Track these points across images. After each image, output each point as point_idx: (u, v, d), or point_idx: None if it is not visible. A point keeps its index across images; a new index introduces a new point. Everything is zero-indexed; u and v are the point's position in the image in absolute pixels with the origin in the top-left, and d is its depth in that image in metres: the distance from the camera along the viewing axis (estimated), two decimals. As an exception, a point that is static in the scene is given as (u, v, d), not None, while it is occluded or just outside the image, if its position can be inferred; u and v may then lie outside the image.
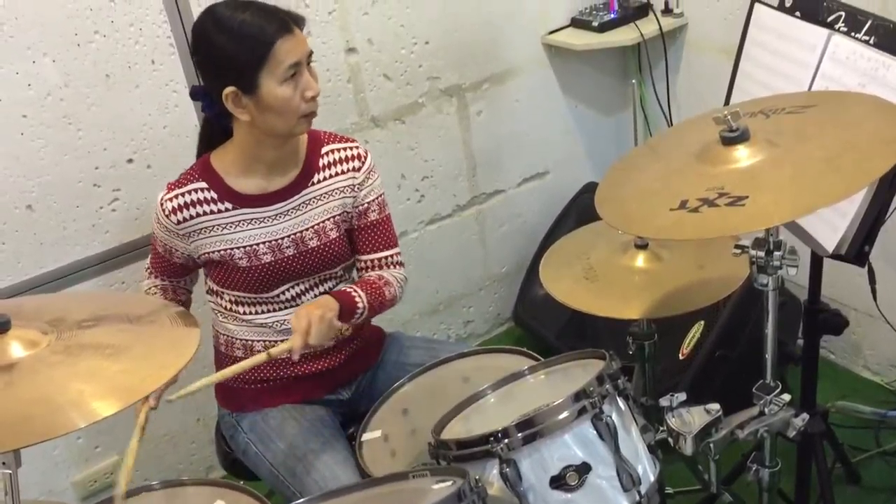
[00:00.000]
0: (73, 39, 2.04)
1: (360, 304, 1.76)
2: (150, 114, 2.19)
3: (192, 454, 2.55)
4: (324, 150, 1.81)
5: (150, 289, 1.90)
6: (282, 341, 1.80)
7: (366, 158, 1.83)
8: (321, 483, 1.68)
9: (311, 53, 1.67)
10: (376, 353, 1.99)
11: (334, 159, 1.81)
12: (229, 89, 1.62)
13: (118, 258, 2.25)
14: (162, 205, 1.74)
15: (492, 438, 1.36)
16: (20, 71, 2.00)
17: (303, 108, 1.65)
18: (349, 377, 1.93)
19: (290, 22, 1.62)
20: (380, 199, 1.86)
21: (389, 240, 1.89)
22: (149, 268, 1.90)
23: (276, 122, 1.66)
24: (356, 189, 1.82)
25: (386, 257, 1.89)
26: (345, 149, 1.82)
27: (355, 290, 1.78)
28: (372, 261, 1.88)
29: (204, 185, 1.74)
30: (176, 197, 1.73)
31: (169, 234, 1.77)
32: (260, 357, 1.63)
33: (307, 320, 1.62)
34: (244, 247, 1.75)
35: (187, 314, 1.29)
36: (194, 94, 1.76)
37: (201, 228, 1.75)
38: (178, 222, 1.74)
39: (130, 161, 2.21)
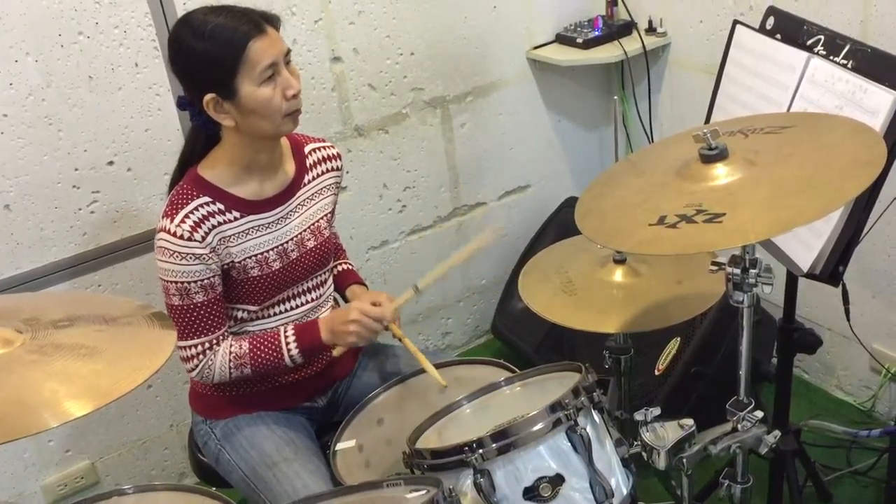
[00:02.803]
0: (56, 40, 2.04)
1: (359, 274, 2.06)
2: (132, 116, 2.18)
3: (164, 460, 2.53)
4: (307, 149, 1.84)
5: (230, 361, 1.73)
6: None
7: (341, 157, 1.91)
8: (290, 491, 1.67)
9: (288, 51, 1.64)
10: (353, 361, 1.99)
11: (319, 158, 1.85)
12: (209, 96, 1.60)
13: (95, 260, 2.24)
14: (175, 233, 1.62)
15: (466, 448, 1.36)
16: (2, 70, 1.99)
17: (285, 106, 1.63)
18: (326, 385, 1.93)
19: (262, 22, 1.59)
20: None
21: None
22: (199, 347, 1.71)
23: (260, 125, 1.64)
24: (339, 187, 1.90)
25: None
26: (324, 147, 1.87)
27: (351, 265, 2.05)
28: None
29: (207, 198, 1.67)
30: (186, 218, 1.64)
31: (199, 259, 1.64)
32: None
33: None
34: (255, 255, 1.73)
35: (164, 316, 1.28)
36: (181, 104, 1.71)
37: (221, 238, 1.68)
38: (203, 238, 1.64)
39: (111, 163, 2.19)
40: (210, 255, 1.66)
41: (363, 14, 2.46)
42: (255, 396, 1.84)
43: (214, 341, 1.72)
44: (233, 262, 1.71)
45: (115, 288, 2.28)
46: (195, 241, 1.64)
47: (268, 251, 1.74)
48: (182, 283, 1.65)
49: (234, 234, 1.70)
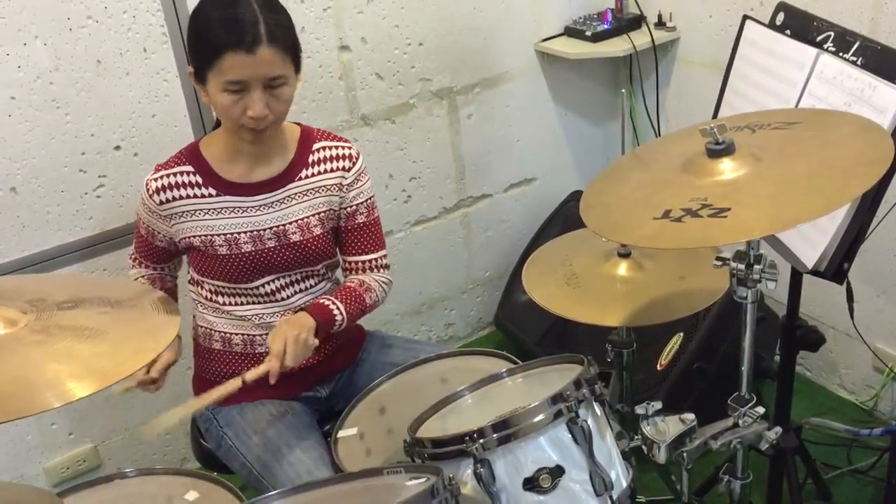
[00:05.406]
0: (65, 23, 2.04)
1: (338, 318, 1.77)
2: (140, 102, 2.19)
3: (166, 445, 2.54)
4: (315, 146, 1.81)
5: (137, 279, 1.90)
6: (260, 336, 1.82)
7: (357, 160, 1.83)
8: (294, 478, 1.67)
9: (277, 77, 1.59)
10: (356, 351, 1.99)
11: (324, 156, 1.81)
12: (189, 67, 1.67)
13: (101, 245, 2.24)
14: (147, 185, 1.74)
15: (467, 438, 1.36)
16: (10, 53, 1.99)
17: (243, 121, 1.62)
18: (328, 375, 1.93)
19: (260, 40, 1.55)
20: (369, 201, 1.87)
21: (376, 243, 1.90)
22: (133, 254, 1.90)
23: (223, 118, 1.69)
24: (344, 189, 1.82)
25: (371, 260, 1.89)
26: (336, 147, 1.82)
27: (334, 303, 1.78)
28: (357, 262, 1.89)
29: (190, 168, 1.74)
30: (161, 178, 1.73)
31: (151, 214, 1.76)
32: (234, 383, 1.62)
33: (283, 343, 1.63)
34: (224, 234, 1.74)
35: (169, 301, 1.28)
36: None
37: (183, 212, 1.74)
38: (161, 203, 1.73)
39: (118, 148, 2.20)
40: (163, 219, 1.76)
41: (372, 3, 2.46)
42: (258, 385, 1.85)
43: (139, 261, 1.89)
44: (194, 235, 1.75)
45: (121, 273, 2.29)
46: (154, 201, 1.74)
47: (239, 233, 1.75)
48: (137, 214, 1.82)
49: (201, 210, 1.74)
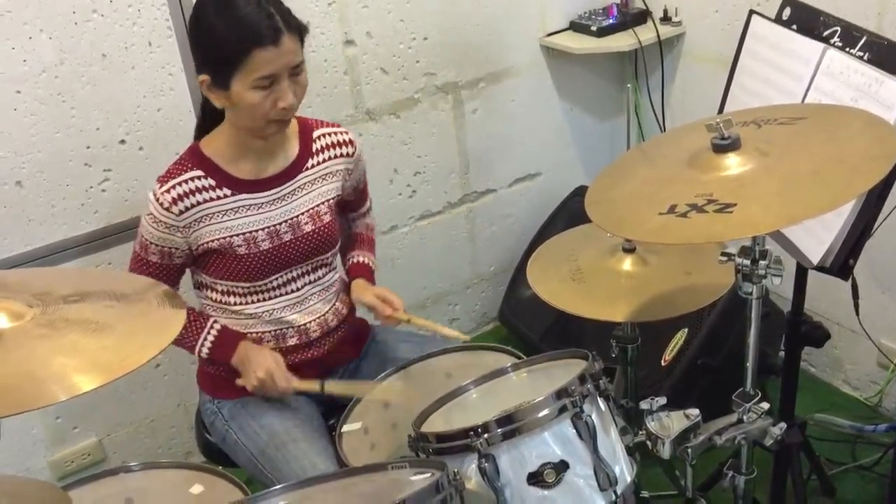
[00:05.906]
0: (70, 17, 2.04)
1: (373, 268, 2.02)
2: (145, 96, 2.19)
3: (171, 439, 2.54)
4: (315, 134, 1.83)
5: None
6: (269, 332, 1.82)
7: (355, 144, 1.89)
8: (299, 472, 1.68)
9: (298, 64, 1.63)
10: (360, 345, 1.99)
11: (327, 143, 1.83)
12: (203, 76, 1.63)
13: (106, 239, 2.25)
14: (158, 200, 1.69)
15: (471, 433, 1.36)
16: (16, 46, 2.00)
17: (272, 114, 1.63)
18: (332, 368, 1.93)
19: (280, 32, 1.57)
20: (365, 170, 1.97)
21: (367, 194, 2.05)
22: None
23: (244, 121, 1.67)
24: (350, 173, 1.88)
25: (368, 209, 2.08)
26: (335, 133, 1.85)
27: (367, 257, 2.02)
28: (359, 214, 2.06)
29: (200, 172, 1.72)
30: (173, 188, 1.69)
31: (169, 230, 1.71)
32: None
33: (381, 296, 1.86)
34: (243, 234, 1.74)
35: (175, 295, 1.28)
36: None
37: (202, 216, 1.72)
38: (180, 213, 1.69)
39: (123, 142, 2.20)
40: (181, 230, 1.72)
41: (377, -3, 2.46)
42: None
43: None
44: (213, 239, 1.73)
45: (126, 267, 2.29)
46: (172, 213, 1.70)
47: (257, 231, 1.75)
48: (146, 240, 1.75)
49: (219, 212, 1.72)
